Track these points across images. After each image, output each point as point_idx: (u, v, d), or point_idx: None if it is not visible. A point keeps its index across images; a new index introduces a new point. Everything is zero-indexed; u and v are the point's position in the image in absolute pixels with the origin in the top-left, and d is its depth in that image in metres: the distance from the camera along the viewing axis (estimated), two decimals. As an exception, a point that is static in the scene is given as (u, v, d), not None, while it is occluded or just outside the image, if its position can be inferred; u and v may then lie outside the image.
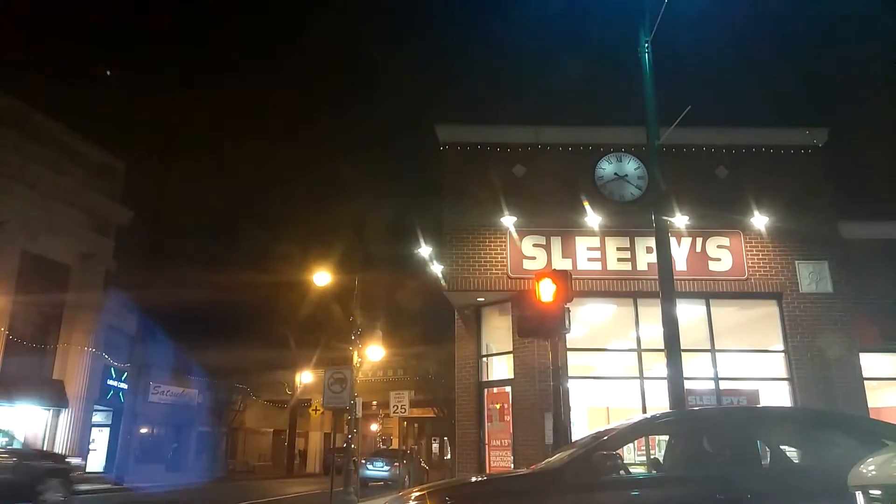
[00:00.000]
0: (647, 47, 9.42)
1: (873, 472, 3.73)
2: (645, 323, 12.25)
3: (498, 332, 13.46)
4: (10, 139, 20.40)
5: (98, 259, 23.70)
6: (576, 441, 6.83)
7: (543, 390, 11.36)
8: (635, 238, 12.60)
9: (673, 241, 11.18)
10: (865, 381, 12.08)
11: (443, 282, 12.89)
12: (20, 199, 20.61)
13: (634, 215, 12.26)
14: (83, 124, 24.87)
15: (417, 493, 5.23)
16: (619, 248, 12.66)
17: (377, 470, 25.09)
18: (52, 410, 21.89)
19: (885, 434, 5.21)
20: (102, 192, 24.07)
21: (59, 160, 22.13)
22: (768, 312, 12.74)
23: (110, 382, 25.79)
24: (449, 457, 39.36)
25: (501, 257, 12.70)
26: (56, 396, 21.85)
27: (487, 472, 12.36)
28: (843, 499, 3.91)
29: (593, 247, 12.68)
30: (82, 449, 22.67)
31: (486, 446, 12.83)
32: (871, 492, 3.66)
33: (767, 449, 5.57)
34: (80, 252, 23.12)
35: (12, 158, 20.34)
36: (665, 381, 8.63)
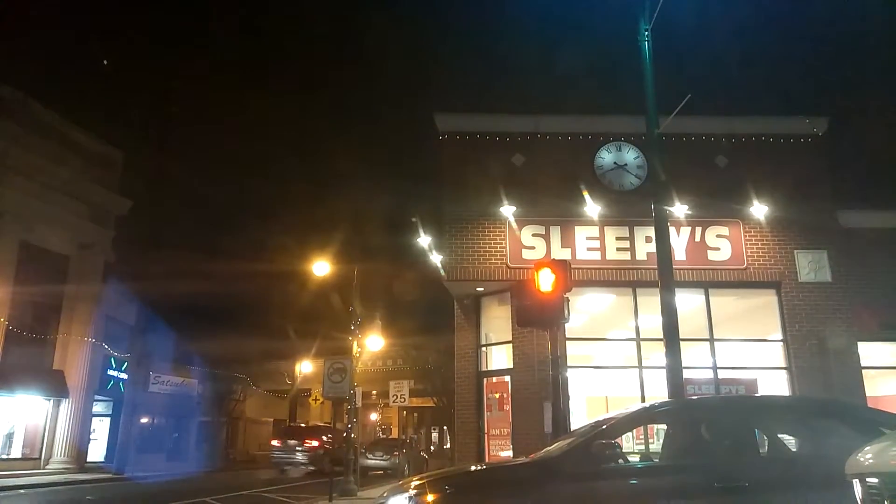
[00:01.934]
0: (647, 35, 9.37)
1: (870, 460, 3.74)
2: (644, 312, 12.27)
3: (497, 322, 13.48)
4: (9, 129, 20.33)
5: (97, 249, 23.68)
6: (575, 430, 6.85)
7: (542, 379, 11.38)
8: (634, 227, 12.60)
9: (672, 230, 11.18)
10: (864, 370, 12.13)
11: (442, 272, 12.89)
12: (19, 189, 20.57)
13: (634, 205, 12.25)
14: (81, 114, 24.85)
15: (417, 482, 5.25)
16: (618, 238, 12.66)
17: (377, 459, 25.15)
18: (52, 400, 21.96)
19: (883, 422, 5.22)
20: (101, 183, 24.01)
21: (57, 150, 22.07)
22: (767, 302, 12.76)
23: (110, 372, 25.84)
24: (448, 446, 39.49)
25: (501, 247, 12.70)
26: (56, 386, 21.90)
27: (487, 461, 12.41)
28: (840, 487, 3.93)
29: (592, 236, 12.68)
30: (83, 439, 22.76)
31: (486, 435, 12.88)
32: (868, 480, 3.67)
33: (766, 438, 5.59)
34: (79, 242, 23.10)
35: (11, 149, 20.29)
36: (664, 371, 8.65)
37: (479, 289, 13.20)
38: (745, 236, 12.70)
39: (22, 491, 16.48)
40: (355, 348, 16.95)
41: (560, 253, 12.35)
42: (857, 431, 4.98)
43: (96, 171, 23.89)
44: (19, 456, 21.23)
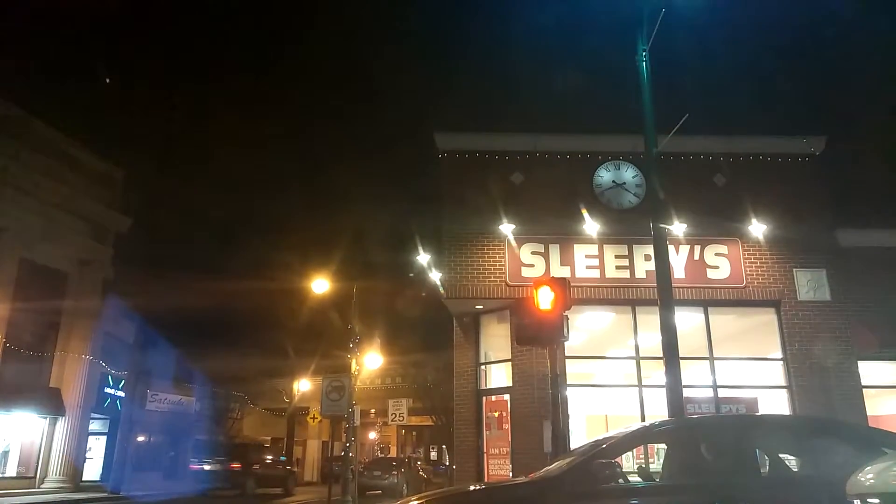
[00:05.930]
0: (645, 56, 9.46)
1: (872, 481, 3.73)
2: (643, 331, 12.25)
3: (496, 340, 13.45)
4: (10, 147, 20.40)
5: (96, 266, 23.65)
6: (574, 449, 6.82)
7: (542, 398, 11.34)
8: (633, 246, 12.62)
9: (671, 248, 11.19)
10: (864, 389, 12.09)
11: (441, 289, 12.89)
12: (19, 206, 20.59)
13: (633, 223, 12.28)
14: (82, 132, 24.94)
15: (415, 502, 5.22)
16: (617, 256, 12.68)
17: (375, 478, 24.98)
18: (48, 418, 21.79)
19: (884, 442, 5.20)
20: (101, 200, 24.04)
21: (57, 168, 22.13)
22: (766, 320, 12.75)
23: (107, 390, 25.67)
24: (447, 464, 39.19)
25: (500, 265, 12.70)
26: (53, 404, 21.75)
27: (486, 480, 12.32)
28: (841, 507, 3.91)
29: (592, 254, 12.70)
30: (79, 457, 22.57)
31: (485, 454, 12.80)
32: (869, 500, 3.65)
33: (766, 457, 5.56)
34: (79, 259, 23.09)
35: (11, 166, 20.34)
36: (664, 389, 8.62)
37: (478, 307, 13.19)
38: (744, 255, 12.72)
39: (16, 510, 16.32)
40: (354, 366, 16.89)
41: (559, 271, 12.36)
42: (858, 451, 4.97)
43: (96, 189, 23.93)
44: (14, 475, 21.01)
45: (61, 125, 22.96)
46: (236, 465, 23.94)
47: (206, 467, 23.84)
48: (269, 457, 27.92)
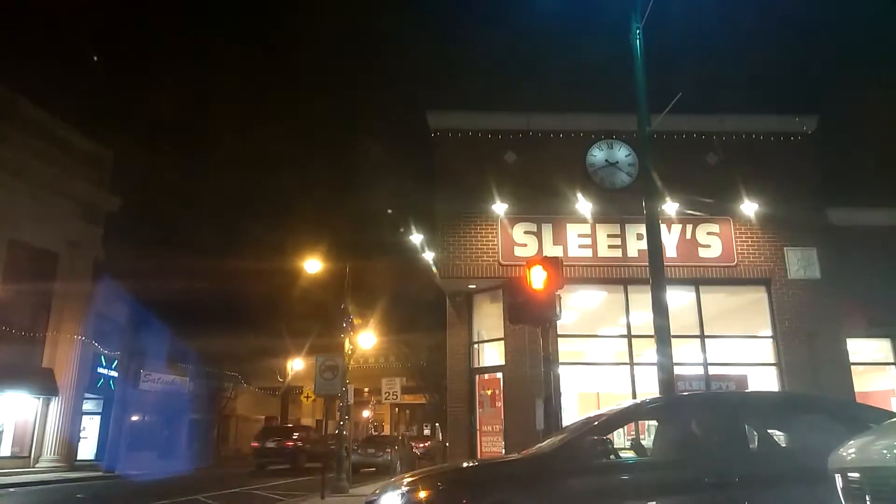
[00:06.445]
0: (639, 34, 9.40)
1: (853, 455, 3.76)
2: (635, 309, 12.33)
3: (489, 319, 13.51)
4: (-3, 127, 20.17)
5: (86, 247, 23.55)
6: (566, 426, 6.89)
7: (534, 376, 11.41)
8: (626, 225, 12.66)
9: (663, 227, 11.22)
10: (852, 366, 12.25)
11: (434, 269, 12.90)
12: (7, 187, 20.42)
13: (625, 202, 12.31)
14: (71, 112, 24.64)
15: (409, 479, 5.28)
16: (609, 235, 12.72)
17: (369, 456, 25.16)
18: (42, 399, 21.83)
19: (871, 418, 5.27)
20: (90, 180, 23.88)
21: (46, 148, 21.92)
22: (757, 298, 12.85)
23: (101, 370, 25.69)
24: (441, 440, 39.53)
25: (493, 244, 12.72)
26: (46, 385, 21.77)
27: (479, 457, 12.44)
28: (829, 482, 3.97)
29: (584, 234, 12.73)
30: (73, 437, 22.65)
31: (478, 432, 12.92)
32: (849, 475, 3.68)
33: (755, 433, 5.64)
34: (69, 240, 22.96)
35: (-1, 146, 20.14)
36: (655, 367, 8.70)
37: (471, 286, 13.22)
38: (736, 234, 12.78)
39: (12, 490, 16.39)
40: (347, 346, 16.92)
41: (552, 250, 12.38)
42: (846, 427, 5.03)
43: (85, 169, 23.74)
44: (8, 454, 21.09)
45: (50, 105, 22.71)
46: (290, 444, 27.19)
47: (268, 445, 26.86)
48: (315, 436, 31.05)
